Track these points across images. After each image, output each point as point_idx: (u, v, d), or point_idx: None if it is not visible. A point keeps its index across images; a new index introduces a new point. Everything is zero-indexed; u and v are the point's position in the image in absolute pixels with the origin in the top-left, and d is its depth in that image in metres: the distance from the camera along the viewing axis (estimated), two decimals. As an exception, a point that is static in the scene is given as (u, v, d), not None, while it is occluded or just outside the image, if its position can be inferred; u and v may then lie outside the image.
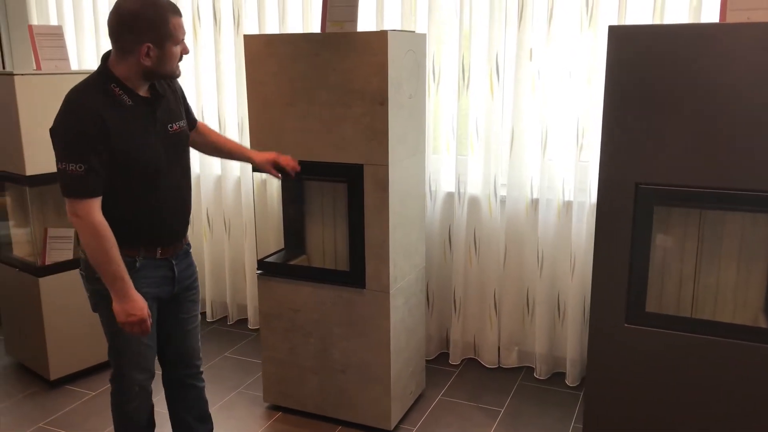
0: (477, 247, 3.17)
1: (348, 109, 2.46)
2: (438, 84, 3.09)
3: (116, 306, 1.89)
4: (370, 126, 2.44)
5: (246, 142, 3.51)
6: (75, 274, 3.11)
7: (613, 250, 2.18)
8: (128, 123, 1.88)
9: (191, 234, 3.88)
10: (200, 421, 2.36)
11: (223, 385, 3.15)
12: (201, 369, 2.33)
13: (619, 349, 2.23)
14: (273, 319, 2.79)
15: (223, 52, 3.51)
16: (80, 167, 1.79)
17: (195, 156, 3.69)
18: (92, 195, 1.83)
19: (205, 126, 2.35)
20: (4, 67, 4.14)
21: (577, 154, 2.86)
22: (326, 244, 2.90)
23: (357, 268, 2.58)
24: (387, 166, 2.45)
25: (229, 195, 3.70)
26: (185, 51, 1.94)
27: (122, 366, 2.10)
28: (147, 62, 1.86)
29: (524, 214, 3.08)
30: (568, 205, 2.98)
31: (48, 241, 3.16)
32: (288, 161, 2.39)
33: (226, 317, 3.93)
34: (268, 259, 2.80)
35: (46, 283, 3.02)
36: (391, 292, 2.57)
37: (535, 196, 3.05)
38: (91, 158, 1.80)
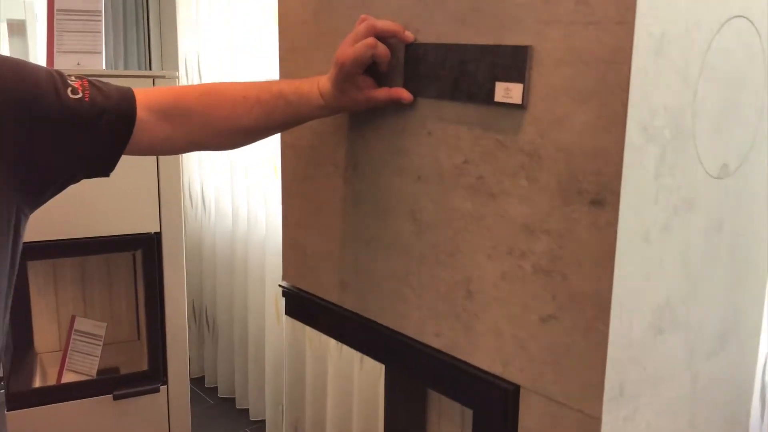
0: None
1: (493, 202, 0.77)
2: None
3: None
4: (552, 267, 0.71)
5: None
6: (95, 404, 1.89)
7: None
8: None
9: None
10: None
11: None
12: None
13: None
14: None
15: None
16: None
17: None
18: None
19: (183, 94, 0.90)
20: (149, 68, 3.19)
21: None
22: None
23: None
24: (601, 408, 0.70)
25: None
26: None
27: None
28: None
29: None
30: None
31: (72, 339, 2.01)
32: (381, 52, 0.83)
33: None
34: None
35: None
36: None
37: None
38: None
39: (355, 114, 0.92)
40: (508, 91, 0.72)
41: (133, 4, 3.14)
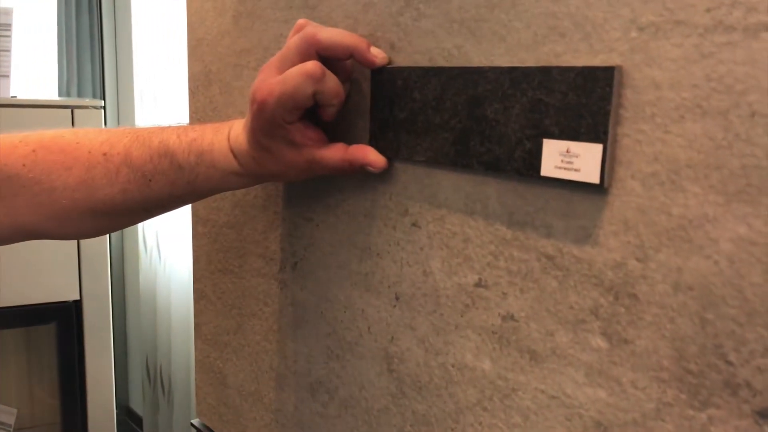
0: None
1: (535, 369, 0.41)
2: None
3: None
4: None
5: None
6: None
7: None
8: None
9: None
10: None
11: None
12: None
13: None
14: None
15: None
16: None
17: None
18: None
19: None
20: (103, 98, 2.83)
21: None
22: None
23: None
24: None
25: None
26: None
27: None
28: None
29: None
30: None
31: (-26, 425, 1.63)
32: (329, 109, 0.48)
33: None
34: None
35: None
36: None
37: None
38: None
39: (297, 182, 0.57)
40: (569, 158, 0.37)
41: (87, 26, 2.80)
